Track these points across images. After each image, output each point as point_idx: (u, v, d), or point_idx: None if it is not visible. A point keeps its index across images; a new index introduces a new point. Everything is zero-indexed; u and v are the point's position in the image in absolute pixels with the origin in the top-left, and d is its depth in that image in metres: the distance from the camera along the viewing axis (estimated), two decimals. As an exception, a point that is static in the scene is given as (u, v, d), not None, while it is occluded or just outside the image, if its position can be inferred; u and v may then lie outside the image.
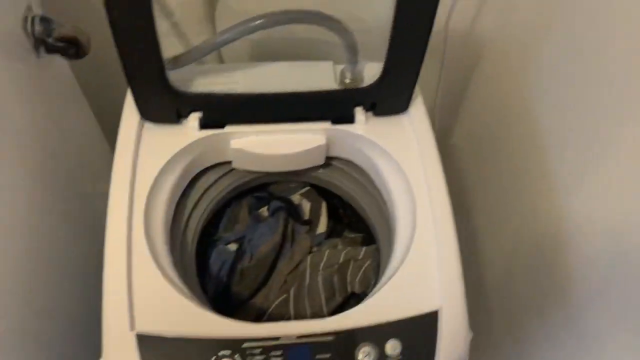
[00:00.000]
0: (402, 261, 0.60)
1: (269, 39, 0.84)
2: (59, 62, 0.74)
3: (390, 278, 0.59)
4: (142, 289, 0.56)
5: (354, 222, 0.87)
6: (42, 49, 0.66)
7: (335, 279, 0.72)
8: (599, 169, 0.63)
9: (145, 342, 0.53)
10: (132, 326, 0.54)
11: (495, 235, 0.94)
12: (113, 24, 0.52)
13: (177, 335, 0.53)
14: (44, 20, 0.65)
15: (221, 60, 0.90)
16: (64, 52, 0.66)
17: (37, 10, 0.65)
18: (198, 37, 0.77)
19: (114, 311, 0.54)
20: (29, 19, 0.63)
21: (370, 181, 0.71)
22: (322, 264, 0.74)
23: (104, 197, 0.61)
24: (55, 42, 0.65)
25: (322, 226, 0.79)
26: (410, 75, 0.64)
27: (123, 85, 0.62)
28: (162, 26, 0.79)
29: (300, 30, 0.71)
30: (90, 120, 0.87)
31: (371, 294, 0.60)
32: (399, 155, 0.66)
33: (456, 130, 1.10)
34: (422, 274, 0.59)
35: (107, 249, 0.57)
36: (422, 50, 0.61)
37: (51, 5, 0.69)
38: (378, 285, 0.61)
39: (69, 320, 0.73)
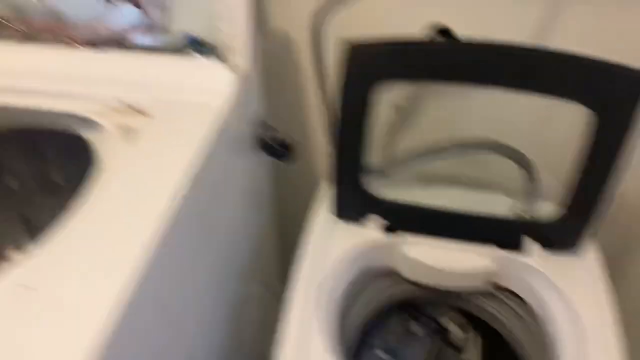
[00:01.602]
0: None
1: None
2: (263, 163, 0.85)
3: None
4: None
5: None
6: (259, 149, 0.78)
7: None
8: None
9: None
10: None
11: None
12: (341, 124, 0.62)
13: None
14: (264, 125, 0.77)
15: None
16: (278, 155, 0.77)
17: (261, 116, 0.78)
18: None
19: None
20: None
21: (538, 323, 0.69)
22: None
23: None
24: (274, 144, 0.76)
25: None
26: (593, 215, 0.64)
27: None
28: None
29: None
30: (271, 219, 0.95)
31: None
32: (573, 295, 0.64)
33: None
34: None
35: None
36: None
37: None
38: None
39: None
